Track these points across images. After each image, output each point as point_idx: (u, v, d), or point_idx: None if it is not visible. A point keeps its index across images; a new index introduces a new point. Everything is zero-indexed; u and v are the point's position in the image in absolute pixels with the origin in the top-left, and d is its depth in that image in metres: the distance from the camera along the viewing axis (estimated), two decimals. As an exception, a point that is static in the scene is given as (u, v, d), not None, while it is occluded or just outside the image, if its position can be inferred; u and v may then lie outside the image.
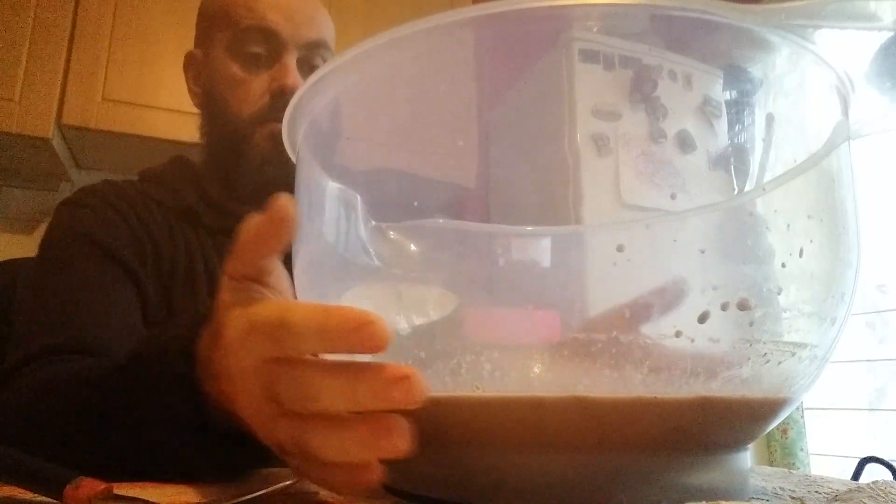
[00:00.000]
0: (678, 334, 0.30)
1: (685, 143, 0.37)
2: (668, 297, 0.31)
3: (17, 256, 0.91)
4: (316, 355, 0.28)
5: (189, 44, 0.74)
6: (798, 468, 1.65)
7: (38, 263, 0.61)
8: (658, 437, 0.29)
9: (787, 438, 1.68)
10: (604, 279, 0.33)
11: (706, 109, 0.37)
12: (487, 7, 0.30)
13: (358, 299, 0.35)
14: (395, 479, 0.32)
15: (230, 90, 0.67)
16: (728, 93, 0.37)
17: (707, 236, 0.34)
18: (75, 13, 1.48)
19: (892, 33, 0.31)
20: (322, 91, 0.36)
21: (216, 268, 0.66)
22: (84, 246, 0.60)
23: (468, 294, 0.35)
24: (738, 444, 0.32)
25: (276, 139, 0.48)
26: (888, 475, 0.44)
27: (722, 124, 0.38)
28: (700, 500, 0.27)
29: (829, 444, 1.77)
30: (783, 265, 0.32)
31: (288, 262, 0.35)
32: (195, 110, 0.73)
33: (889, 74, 0.38)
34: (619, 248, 0.32)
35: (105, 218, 0.63)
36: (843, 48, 0.33)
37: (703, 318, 0.30)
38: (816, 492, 0.36)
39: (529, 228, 0.36)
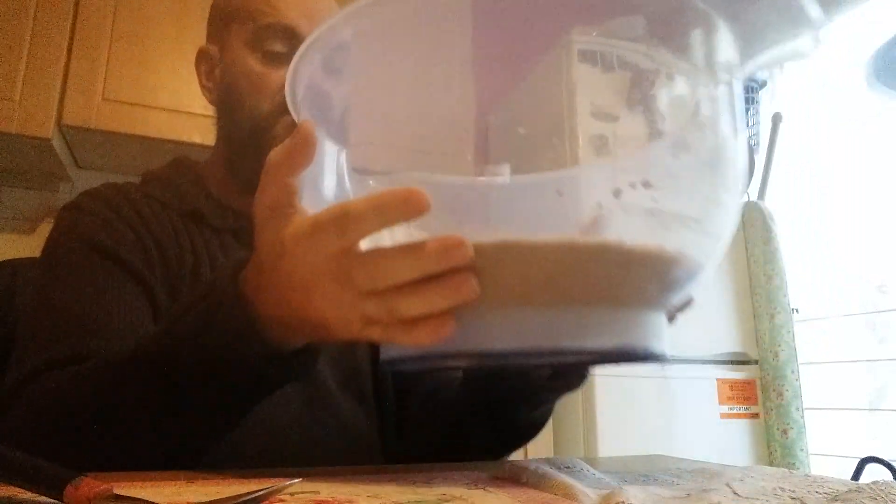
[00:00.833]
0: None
1: (682, 143, 0.37)
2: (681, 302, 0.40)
3: (18, 256, 0.91)
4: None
5: (189, 44, 0.74)
6: (798, 468, 1.65)
7: (43, 271, 0.60)
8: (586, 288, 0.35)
9: (787, 438, 1.68)
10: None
11: (702, 111, 0.37)
12: None
13: None
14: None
15: (249, 85, 0.66)
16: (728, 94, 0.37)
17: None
18: (75, 13, 1.48)
19: None
20: (322, 47, 0.40)
21: None
22: (89, 252, 0.59)
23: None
24: (649, 300, 0.37)
25: None
26: (888, 475, 0.44)
27: (721, 124, 0.38)
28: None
29: (829, 444, 1.77)
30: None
31: None
32: (195, 110, 0.73)
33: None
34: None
35: (109, 222, 0.61)
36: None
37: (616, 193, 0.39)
38: (816, 492, 0.36)
39: (499, 179, 0.44)
